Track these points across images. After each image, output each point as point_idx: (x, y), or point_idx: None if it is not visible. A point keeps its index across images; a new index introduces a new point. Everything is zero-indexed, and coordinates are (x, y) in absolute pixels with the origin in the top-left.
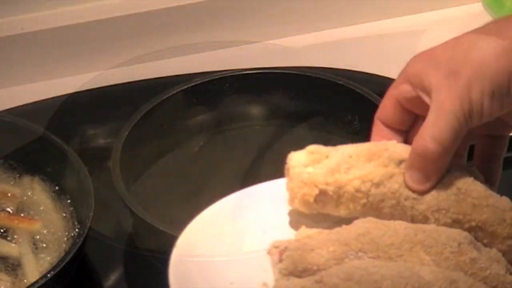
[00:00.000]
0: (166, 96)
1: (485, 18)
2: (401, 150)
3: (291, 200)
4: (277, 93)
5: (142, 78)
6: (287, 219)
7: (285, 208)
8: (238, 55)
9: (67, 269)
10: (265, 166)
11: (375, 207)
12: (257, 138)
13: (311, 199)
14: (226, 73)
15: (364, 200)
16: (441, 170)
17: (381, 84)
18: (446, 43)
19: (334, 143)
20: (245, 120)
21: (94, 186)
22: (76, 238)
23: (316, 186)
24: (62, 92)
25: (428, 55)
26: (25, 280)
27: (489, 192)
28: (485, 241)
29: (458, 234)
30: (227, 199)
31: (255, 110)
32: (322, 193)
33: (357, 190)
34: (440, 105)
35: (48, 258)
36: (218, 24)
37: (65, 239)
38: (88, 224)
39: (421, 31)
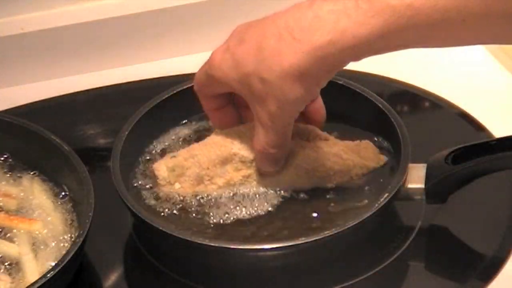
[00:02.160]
0: (166, 96)
1: None
2: (247, 151)
3: None
4: None
5: (142, 78)
6: None
7: None
8: None
9: (67, 269)
10: None
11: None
12: None
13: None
14: None
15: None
16: (284, 154)
17: (381, 84)
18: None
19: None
20: None
21: (94, 186)
22: (76, 238)
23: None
24: (62, 92)
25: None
26: (25, 280)
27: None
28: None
29: None
30: None
31: None
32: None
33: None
34: (261, 121)
35: (48, 258)
36: (218, 24)
37: (65, 239)
38: (88, 224)
39: None
